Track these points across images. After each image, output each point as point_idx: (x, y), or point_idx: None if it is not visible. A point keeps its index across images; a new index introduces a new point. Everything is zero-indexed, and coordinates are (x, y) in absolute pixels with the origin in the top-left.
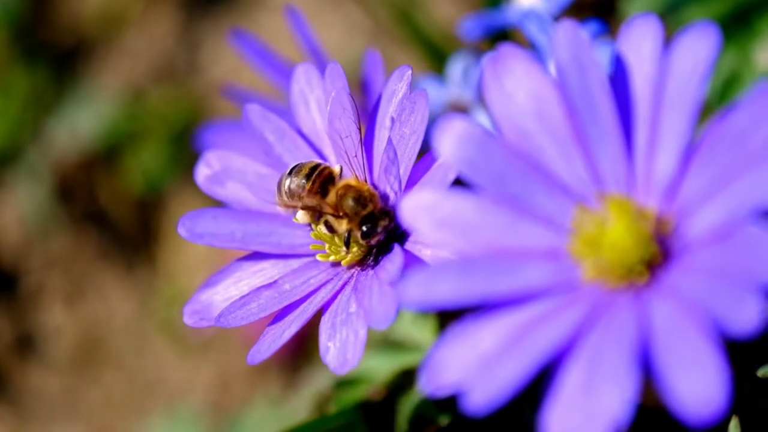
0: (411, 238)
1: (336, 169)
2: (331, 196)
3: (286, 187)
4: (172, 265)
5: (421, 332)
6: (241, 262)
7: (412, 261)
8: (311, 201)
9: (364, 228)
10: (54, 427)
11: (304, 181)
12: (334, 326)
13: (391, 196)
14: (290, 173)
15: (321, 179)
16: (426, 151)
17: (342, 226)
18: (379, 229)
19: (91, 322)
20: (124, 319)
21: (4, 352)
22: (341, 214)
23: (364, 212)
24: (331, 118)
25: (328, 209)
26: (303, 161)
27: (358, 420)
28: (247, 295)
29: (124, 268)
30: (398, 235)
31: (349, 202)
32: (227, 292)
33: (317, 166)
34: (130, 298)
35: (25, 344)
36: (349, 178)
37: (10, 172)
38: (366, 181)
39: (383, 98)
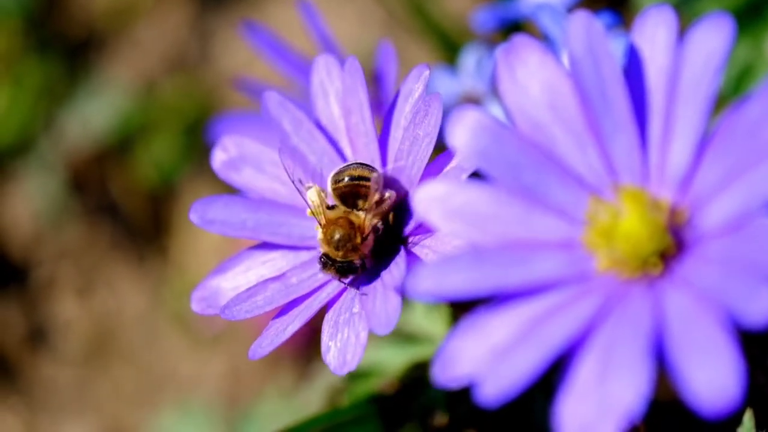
0: (418, 241)
1: (373, 194)
2: (332, 215)
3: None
4: (183, 258)
5: (434, 324)
6: (252, 251)
7: (418, 264)
8: (319, 205)
9: (323, 263)
10: (65, 419)
11: (345, 179)
12: (337, 325)
13: (406, 192)
14: (350, 165)
15: (349, 191)
16: (440, 150)
17: (319, 239)
18: (338, 278)
19: (102, 314)
20: (136, 311)
21: (15, 344)
22: (322, 234)
23: (336, 254)
24: (347, 113)
25: (322, 222)
26: (365, 161)
27: (370, 413)
28: (254, 286)
29: (135, 261)
30: (405, 237)
31: (334, 237)
32: (235, 281)
33: (361, 178)
34: (142, 290)
35: (37, 336)
36: (358, 214)
37: (23, 164)
38: (372, 209)
39: (400, 97)
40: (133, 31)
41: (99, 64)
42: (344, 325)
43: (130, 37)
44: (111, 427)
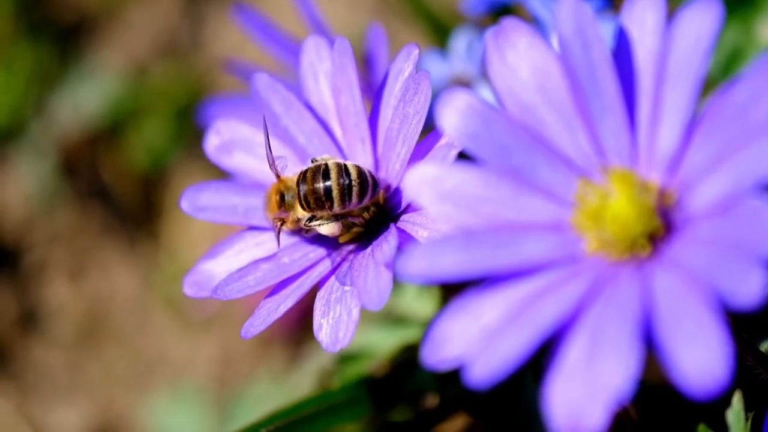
0: (409, 219)
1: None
2: (282, 186)
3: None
4: (175, 241)
5: (424, 307)
6: (244, 234)
7: (409, 242)
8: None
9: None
10: (56, 403)
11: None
12: (329, 303)
13: (394, 173)
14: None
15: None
16: (429, 129)
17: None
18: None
19: (94, 298)
20: (127, 294)
21: (7, 328)
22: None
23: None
24: (336, 93)
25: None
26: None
27: (361, 395)
28: (245, 267)
29: (127, 244)
30: (396, 216)
31: (264, 201)
32: (227, 264)
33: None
34: (134, 274)
35: (29, 320)
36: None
37: (14, 148)
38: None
39: (390, 76)
40: (125, 14)
41: (90, 48)
42: (336, 303)
43: (122, 21)
44: (102, 411)
